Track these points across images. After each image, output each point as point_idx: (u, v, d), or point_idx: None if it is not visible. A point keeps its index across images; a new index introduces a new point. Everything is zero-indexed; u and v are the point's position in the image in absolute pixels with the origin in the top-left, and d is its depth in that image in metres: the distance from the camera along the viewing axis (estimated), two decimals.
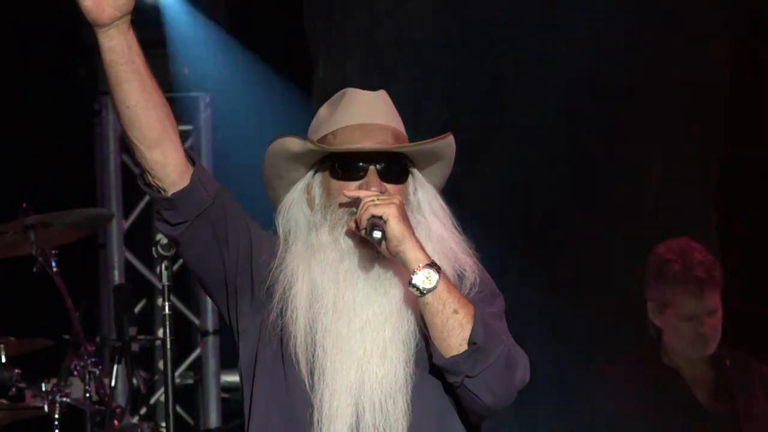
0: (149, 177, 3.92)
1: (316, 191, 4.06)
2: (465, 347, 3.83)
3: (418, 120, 7.77)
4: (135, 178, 7.25)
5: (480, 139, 7.68)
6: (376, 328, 3.99)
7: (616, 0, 8.57)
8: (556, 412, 8.48)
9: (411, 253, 3.81)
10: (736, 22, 8.35)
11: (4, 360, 6.22)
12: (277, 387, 4.02)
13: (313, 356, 3.95)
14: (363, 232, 3.84)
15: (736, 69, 8.25)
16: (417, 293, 3.81)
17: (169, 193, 3.92)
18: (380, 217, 3.81)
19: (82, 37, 7.53)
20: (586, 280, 8.27)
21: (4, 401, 6.31)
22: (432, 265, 3.79)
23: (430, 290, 3.80)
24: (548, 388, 8.35)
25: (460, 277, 4.08)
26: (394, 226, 3.80)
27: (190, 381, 7.52)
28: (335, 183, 4.00)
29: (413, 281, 3.80)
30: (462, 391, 3.88)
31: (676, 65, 8.43)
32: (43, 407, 6.14)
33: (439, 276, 3.78)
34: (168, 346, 6.35)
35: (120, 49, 3.69)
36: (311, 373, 3.94)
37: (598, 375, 6.98)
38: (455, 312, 3.82)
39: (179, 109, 7.26)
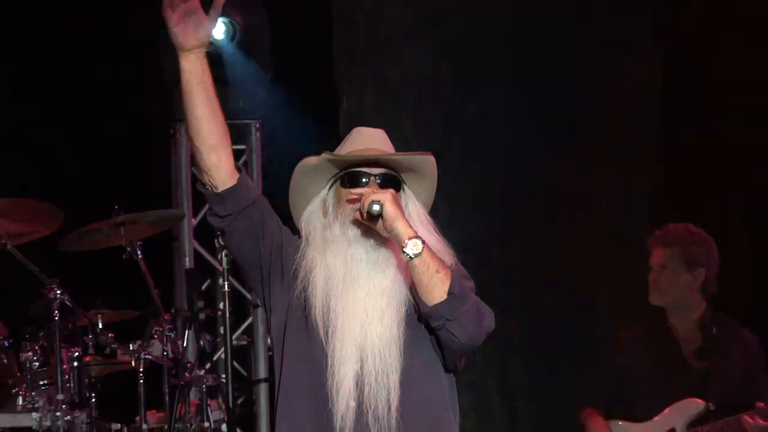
0: (205, 177, 3.96)
1: (330, 201, 4.09)
2: (445, 297, 3.86)
3: (419, 139, 7.68)
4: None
5: (464, 156, 7.54)
6: (375, 298, 4.01)
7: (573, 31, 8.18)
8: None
9: (402, 228, 3.85)
10: (667, 46, 8.10)
11: (101, 326, 6.10)
12: (302, 344, 4.03)
13: (328, 319, 3.98)
14: (365, 215, 3.90)
15: (666, 93, 8.06)
16: (407, 258, 3.85)
17: (219, 190, 3.97)
18: (378, 201, 3.87)
19: (164, 76, 7.46)
20: (559, 260, 7.88)
21: (101, 358, 6.24)
22: (418, 237, 3.84)
23: (417, 255, 3.83)
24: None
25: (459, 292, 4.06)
26: (389, 208, 3.86)
27: (243, 342, 7.54)
28: (344, 191, 4.03)
29: (404, 249, 3.85)
30: (443, 333, 3.92)
31: (614, 95, 8.24)
32: (130, 362, 6.10)
33: (423, 245, 3.83)
34: (227, 316, 6.38)
35: (195, 71, 3.78)
36: (326, 332, 3.97)
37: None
38: (437, 271, 3.85)
39: (235, 132, 6.53)
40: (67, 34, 7.89)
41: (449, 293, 3.88)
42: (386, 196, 3.91)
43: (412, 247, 3.86)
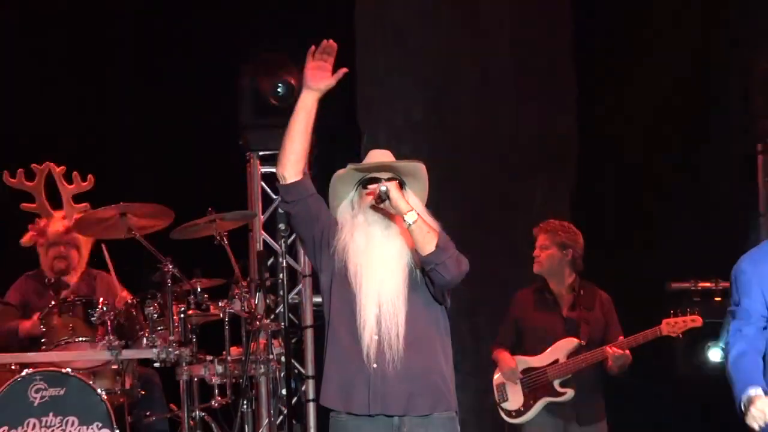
0: (281, 170, 3.91)
1: (355, 200, 4.00)
2: (434, 249, 3.81)
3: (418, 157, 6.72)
4: (269, 194, 7.09)
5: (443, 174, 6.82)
6: (387, 261, 3.95)
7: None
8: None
9: (403, 205, 3.81)
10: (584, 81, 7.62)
11: (199, 290, 5.90)
12: (342, 295, 3.95)
13: (357, 278, 3.92)
14: (377, 199, 3.85)
15: (583, 125, 7.67)
16: (407, 225, 3.81)
17: (288, 182, 3.94)
18: (386, 187, 3.82)
19: (241, 118, 7.27)
20: (509, 249, 7.47)
21: (199, 311, 6.01)
22: (413, 210, 3.80)
23: (414, 221, 3.80)
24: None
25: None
26: (393, 191, 3.83)
27: (296, 301, 7.25)
28: (364, 192, 3.97)
29: (405, 218, 3.81)
30: (433, 273, 3.86)
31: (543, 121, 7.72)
32: (219, 314, 5.92)
33: (418, 216, 3.80)
34: (284, 283, 6.21)
35: (309, 106, 3.83)
36: (357, 287, 3.91)
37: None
38: (428, 232, 3.82)
39: None
40: (175, 81, 7.54)
41: (437, 246, 3.82)
42: (392, 185, 3.87)
43: (410, 216, 3.81)
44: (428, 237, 3.83)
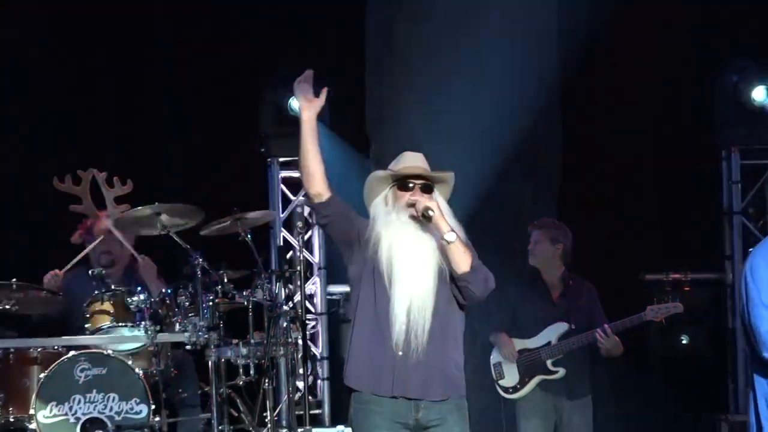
0: (314, 189, 3.84)
1: (389, 197, 3.92)
2: (468, 269, 3.79)
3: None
4: (288, 196, 7.13)
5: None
6: (418, 259, 3.87)
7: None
8: None
9: (444, 226, 3.77)
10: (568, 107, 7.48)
11: (226, 280, 5.85)
12: (372, 285, 3.87)
13: (390, 271, 3.85)
14: (420, 215, 3.79)
15: (569, 143, 7.57)
16: (446, 243, 3.76)
17: (316, 202, 3.89)
18: (431, 207, 3.78)
19: (263, 127, 7.32)
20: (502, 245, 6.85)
21: (226, 299, 5.94)
22: (453, 231, 3.76)
23: (452, 242, 3.77)
24: None
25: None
26: (436, 212, 3.78)
27: (312, 290, 7.25)
28: (399, 192, 3.90)
29: (444, 237, 3.77)
30: (465, 290, 3.84)
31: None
32: (243, 302, 5.89)
33: (456, 235, 3.76)
34: (301, 274, 6.07)
35: (310, 122, 3.76)
36: (389, 279, 3.84)
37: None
38: (464, 252, 3.79)
39: None
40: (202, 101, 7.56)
41: (471, 267, 3.81)
42: (433, 204, 3.81)
43: (449, 236, 3.79)
44: (464, 257, 3.80)
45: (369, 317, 3.85)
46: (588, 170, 7.74)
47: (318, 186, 3.87)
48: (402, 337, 3.79)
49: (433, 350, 3.80)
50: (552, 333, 5.86)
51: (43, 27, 7.43)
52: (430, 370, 3.80)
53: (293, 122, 6.80)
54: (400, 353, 3.77)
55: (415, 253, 3.84)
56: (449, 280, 3.83)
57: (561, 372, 5.82)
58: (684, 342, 7.14)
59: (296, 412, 6.07)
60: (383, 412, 3.79)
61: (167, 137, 7.60)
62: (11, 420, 5.56)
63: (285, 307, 5.89)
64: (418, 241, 3.85)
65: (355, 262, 3.90)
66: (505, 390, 5.87)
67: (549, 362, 5.82)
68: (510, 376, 5.85)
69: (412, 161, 3.95)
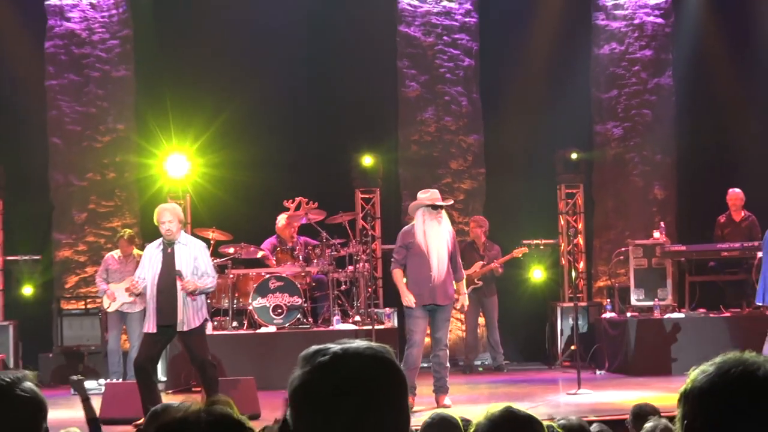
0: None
1: (426, 213, 5.03)
2: (462, 280, 4.61)
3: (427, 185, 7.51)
4: (364, 206, 9.62)
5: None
6: (439, 241, 5.38)
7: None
8: None
9: (463, 298, 4.36)
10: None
11: (335, 243, 8.19)
12: (416, 254, 5.35)
13: (427, 248, 5.22)
14: (459, 307, 4.52)
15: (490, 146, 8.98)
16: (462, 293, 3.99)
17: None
18: (464, 304, 4.44)
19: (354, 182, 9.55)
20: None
21: (335, 252, 7.79)
22: (465, 294, 4.09)
23: (462, 295, 4.32)
24: None
25: (455, 248, 5.53)
26: (464, 302, 4.51)
27: (373, 249, 9.00)
28: (427, 212, 5.07)
29: (460, 299, 4.47)
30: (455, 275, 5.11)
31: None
32: (343, 254, 8.25)
33: (466, 296, 4.04)
34: (370, 240, 8.23)
35: None
36: (427, 251, 5.31)
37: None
38: (464, 283, 4.44)
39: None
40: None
41: (460, 279, 5.62)
42: (464, 297, 5.08)
43: (463, 299, 5.39)
44: (462, 282, 5.19)
45: (415, 269, 5.66)
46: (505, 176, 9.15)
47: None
48: (435, 275, 5.43)
49: (443, 279, 5.52)
50: (477, 266, 8.22)
51: None
52: (441, 288, 5.55)
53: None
54: (430, 285, 5.45)
55: (438, 238, 5.60)
56: (449, 248, 5.48)
57: (481, 284, 8.63)
58: (537, 277, 9.24)
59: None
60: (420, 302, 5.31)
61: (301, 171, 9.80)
62: (241, 305, 8.76)
63: (363, 255, 8.60)
64: (439, 234, 5.58)
65: (408, 246, 5.65)
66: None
67: (476, 279, 8.32)
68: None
69: (434, 194, 5.44)
